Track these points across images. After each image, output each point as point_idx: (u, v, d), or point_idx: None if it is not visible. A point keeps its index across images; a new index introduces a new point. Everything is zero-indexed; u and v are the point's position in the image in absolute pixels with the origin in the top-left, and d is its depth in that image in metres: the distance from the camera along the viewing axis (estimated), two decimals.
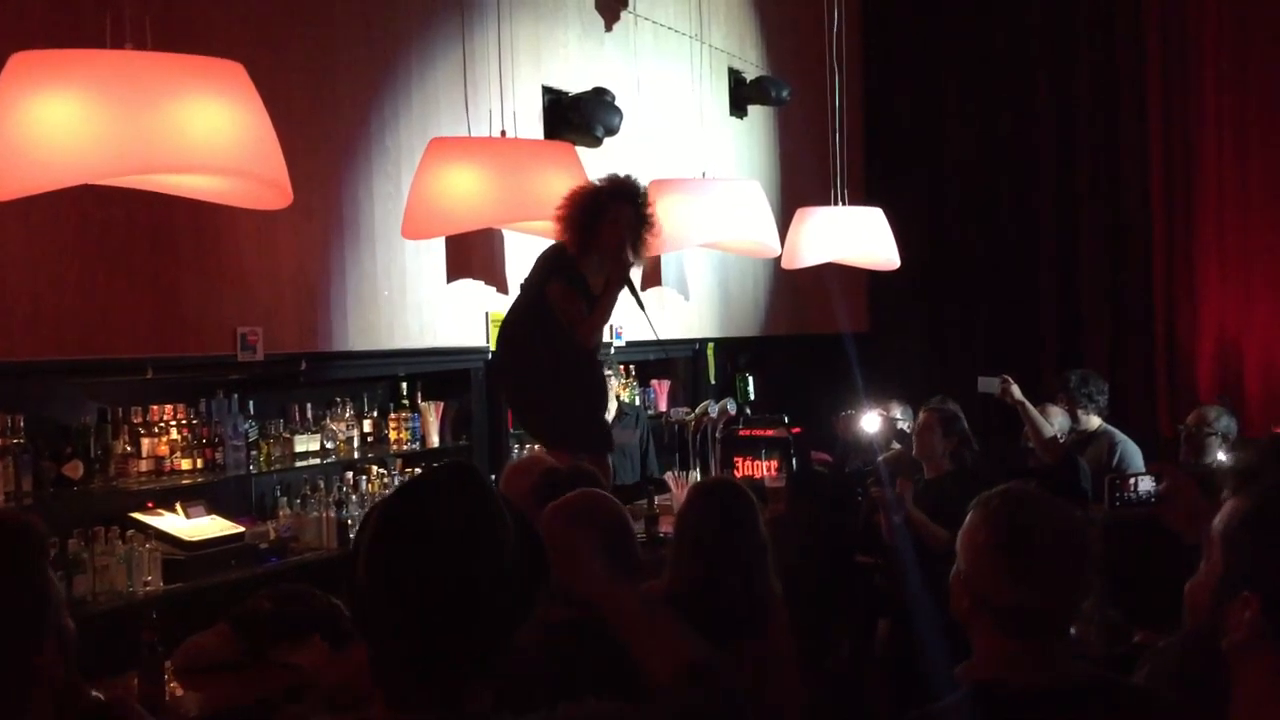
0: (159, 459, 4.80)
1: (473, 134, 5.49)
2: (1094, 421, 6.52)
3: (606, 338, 6.61)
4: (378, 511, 1.59)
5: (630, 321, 6.56)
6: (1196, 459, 5.80)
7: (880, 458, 6.09)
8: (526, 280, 4.83)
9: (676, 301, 7.21)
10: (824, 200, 7.20)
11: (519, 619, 1.57)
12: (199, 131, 3.09)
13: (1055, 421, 6.20)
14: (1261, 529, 1.61)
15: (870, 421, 6.38)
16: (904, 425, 6.78)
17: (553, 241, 4.81)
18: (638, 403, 7.37)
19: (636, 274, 5.04)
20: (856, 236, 6.75)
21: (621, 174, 4.80)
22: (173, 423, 4.86)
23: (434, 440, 5.97)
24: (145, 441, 4.77)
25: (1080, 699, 1.99)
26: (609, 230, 4.57)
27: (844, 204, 7.16)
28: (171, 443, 4.84)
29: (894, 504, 5.44)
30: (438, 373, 5.99)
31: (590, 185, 4.68)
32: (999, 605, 2.00)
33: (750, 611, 3.12)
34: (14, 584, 1.63)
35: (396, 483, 5.56)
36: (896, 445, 6.53)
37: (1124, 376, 8.36)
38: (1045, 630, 2.01)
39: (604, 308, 4.62)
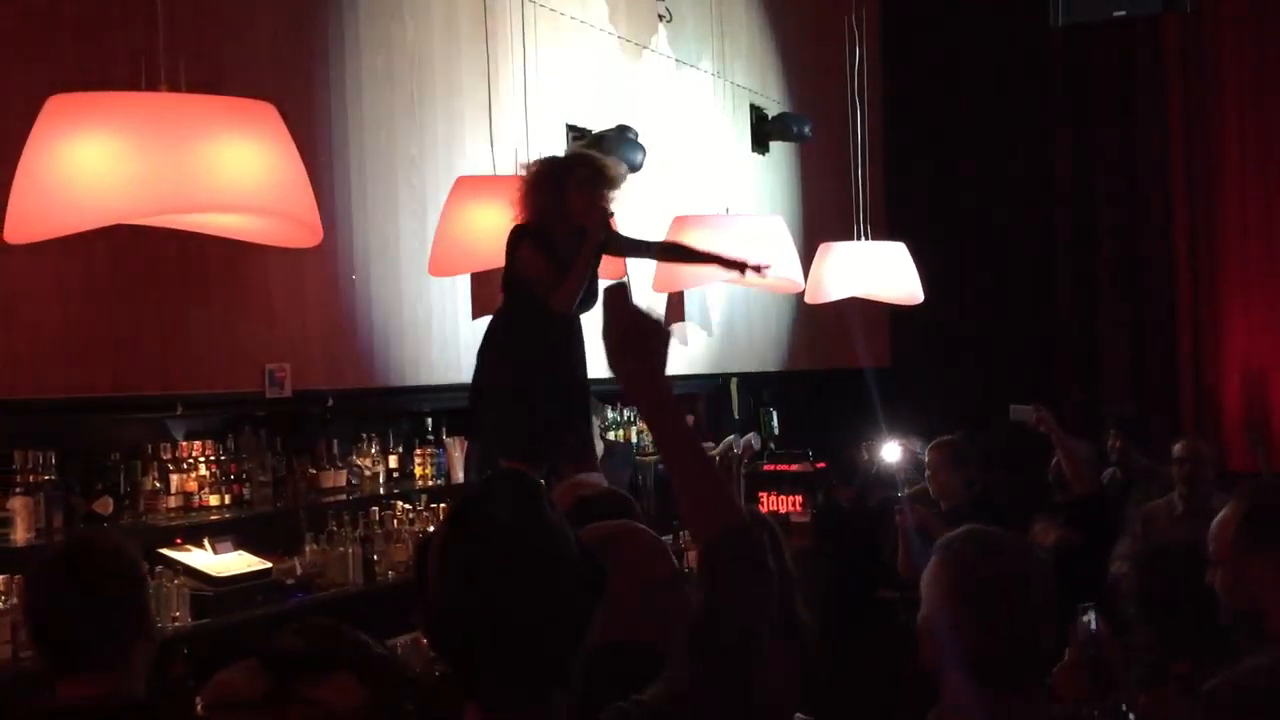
0: (187, 495, 4.83)
1: (498, 172, 5.55)
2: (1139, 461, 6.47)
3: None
4: (442, 529, 1.68)
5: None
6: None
7: (905, 493, 6.06)
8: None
9: (699, 336, 7.23)
10: (846, 235, 7.23)
11: (584, 625, 1.63)
12: (232, 171, 3.14)
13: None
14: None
15: (890, 451, 6.35)
16: (924, 457, 6.75)
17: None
18: (636, 440, 7.30)
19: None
20: (879, 271, 6.77)
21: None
22: (201, 459, 4.89)
23: (459, 475, 5.99)
24: (174, 478, 4.81)
25: None
26: (575, 196, 4.54)
27: (867, 239, 7.19)
28: (200, 479, 4.87)
29: (914, 535, 5.42)
30: (462, 408, 6.01)
31: (546, 159, 4.78)
32: (960, 651, 1.97)
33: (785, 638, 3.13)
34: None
35: (423, 518, 5.59)
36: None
37: (1148, 411, 8.32)
38: (1006, 678, 1.96)
39: (581, 267, 4.51)
